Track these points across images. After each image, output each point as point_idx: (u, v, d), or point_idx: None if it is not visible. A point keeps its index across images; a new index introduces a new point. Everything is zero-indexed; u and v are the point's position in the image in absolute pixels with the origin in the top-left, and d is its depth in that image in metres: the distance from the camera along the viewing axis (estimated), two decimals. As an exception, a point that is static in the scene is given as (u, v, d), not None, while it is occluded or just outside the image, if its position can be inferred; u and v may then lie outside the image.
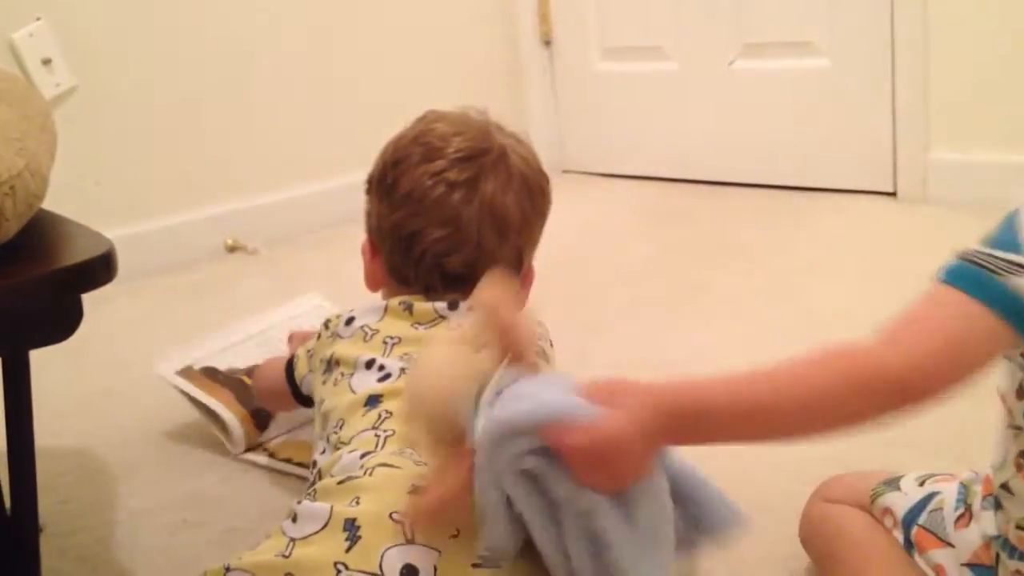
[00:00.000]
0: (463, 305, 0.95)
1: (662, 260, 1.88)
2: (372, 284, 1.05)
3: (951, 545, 0.73)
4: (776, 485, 1.06)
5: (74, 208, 0.92)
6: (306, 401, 1.06)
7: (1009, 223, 0.63)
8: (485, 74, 2.63)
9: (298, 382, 1.07)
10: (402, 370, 0.88)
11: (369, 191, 1.04)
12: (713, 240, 2.00)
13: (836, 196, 2.17)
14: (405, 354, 0.91)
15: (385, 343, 0.92)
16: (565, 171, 2.71)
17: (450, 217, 0.96)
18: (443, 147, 0.98)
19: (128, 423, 1.38)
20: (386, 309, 0.96)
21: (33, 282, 0.72)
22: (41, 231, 0.82)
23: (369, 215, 1.04)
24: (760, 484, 1.06)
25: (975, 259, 0.62)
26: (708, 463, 1.10)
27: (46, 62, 1.94)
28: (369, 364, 0.90)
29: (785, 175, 2.28)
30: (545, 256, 1.97)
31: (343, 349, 0.94)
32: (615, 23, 2.52)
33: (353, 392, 0.88)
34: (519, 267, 1.03)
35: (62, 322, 0.77)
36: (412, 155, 0.98)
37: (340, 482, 0.73)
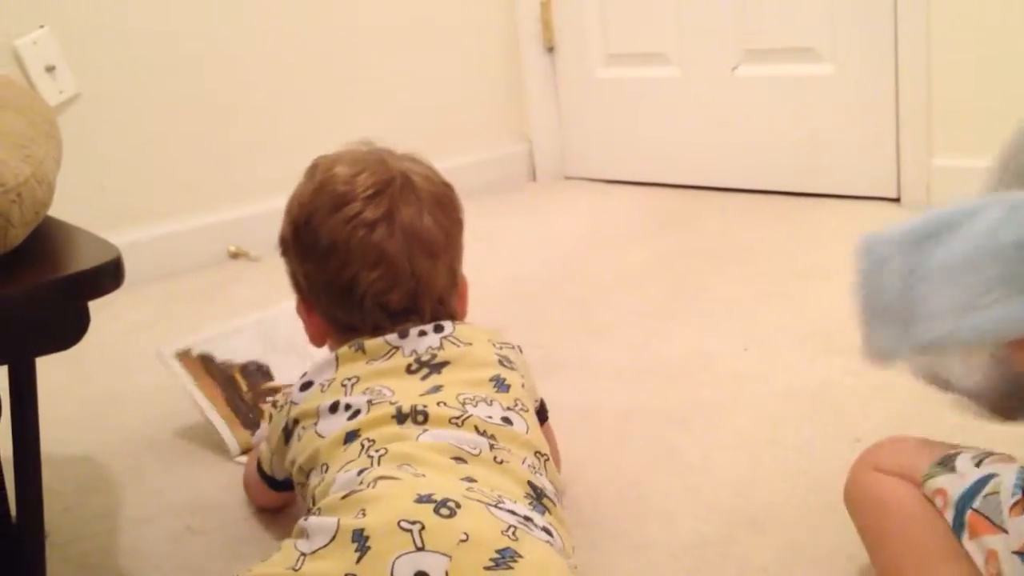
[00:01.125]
0: (412, 331, 0.95)
1: (664, 265, 1.88)
2: (318, 340, 1.05)
3: (1005, 531, 0.71)
4: (784, 491, 1.06)
5: (78, 214, 0.92)
6: (282, 486, 1.03)
7: None
8: (488, 81, 2.63)
9: (269, 472, 1.04)
10: (369, 403, 0.87)
11: (285, 253, 1.04)
12: (716, 246, 1.99)
13: (839, 202, 2.17)
14: (367, 389, 0.90)
15: (344, 385, 0.92)
16: (567, 177, 2.71)
17: (379, 256, 0.96)
18: (349, 190, 0.98)
19: (131, 430, 1.38)
20: (338, 358, 0.95)
21: (41, 289, 0.72)
22: (48, 238, 0.82)
23: (294, 276, 1.04)
24: (768, 489, 1.06)
25: None
26: (719, 466, 1.11)
27: (49, 69, 1.95)
28: (333, 408, 0.89)
29: (788, 181, 2.28)
30: (547, 261, 1.98)
31: (300, 409, 0.93)
32: (618, 29, 2.52)
33: (322, 437, 0.88)
34: (455, 282, 1.03)
35: (69, 329, 0.77)
36: (321, 207, 0.98)
37: (343, 497, 0.73)
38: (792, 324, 1.52)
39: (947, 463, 0.78)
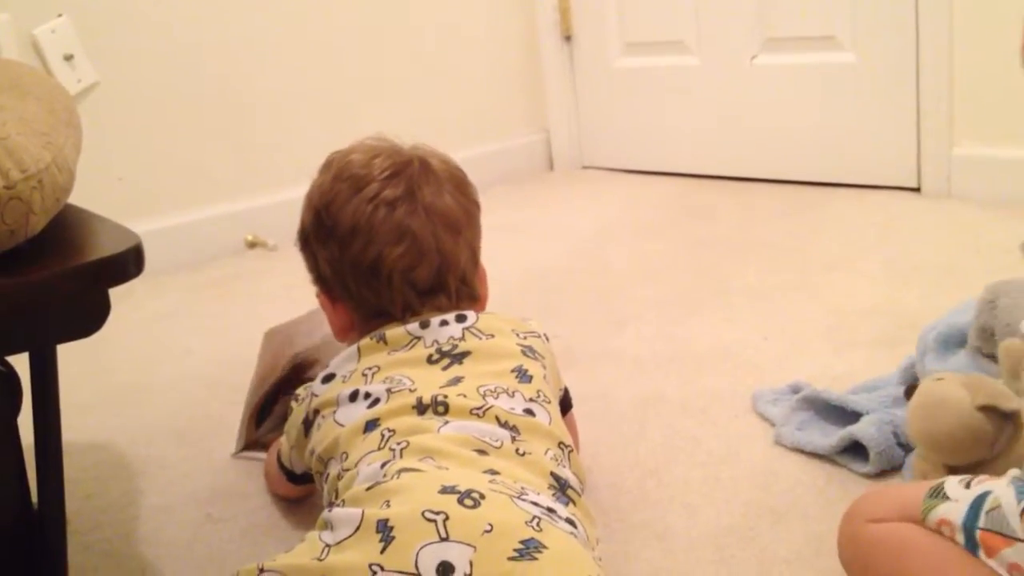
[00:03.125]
0: (434, 321, 0.95)
1: (683, 255, 1.87)
2: (342, 334, 1.04)
3: (1020, 540, 0.71)
4: (805, 482, 1.05)
5: (96, 203, 0.92)
6: (300, 479, 1.04)
7: None
8: (505, 70, 2.63)
9: (287, 465, 1.05)
10: (388, 391, 0.87)
11: (306, 246, 1.03)
12: (735, 236, 1.98)
13: (860, 191, 2.16)
14: (387, 377, 0.90)
15: (364, 375, 0.91)
16: (585, 167, 2.70)
17: (402, 232, 0.96)
18: (368, 173, 0.98)
19: (152, 418, 1.38)
20: (360, 350, 0.95)
21: (62, 276, 0.72)
22: (68, 225, 0.82)
23: (315, 266, 1.02)
24: (789, 480, 1.05)
25: None
26: (739, 457, 1.10)
27: (68, 58, 1.95)
28: (353, 396, 0.89)
29: (808, 170, 2.27)
30: (566, 251, 1.98)
31: (320, 399, 0.93)
32: (636, 18, 2.51)
33: (341, 425, 0.87)
34: (476, 264, 1.03)
35: (90, 316, 0.77)
36: (341, 192, 0.98)
37: (368, 488, 0.73)
38: (812, 314, 1.51)
39: (937, 493, 0.79)
